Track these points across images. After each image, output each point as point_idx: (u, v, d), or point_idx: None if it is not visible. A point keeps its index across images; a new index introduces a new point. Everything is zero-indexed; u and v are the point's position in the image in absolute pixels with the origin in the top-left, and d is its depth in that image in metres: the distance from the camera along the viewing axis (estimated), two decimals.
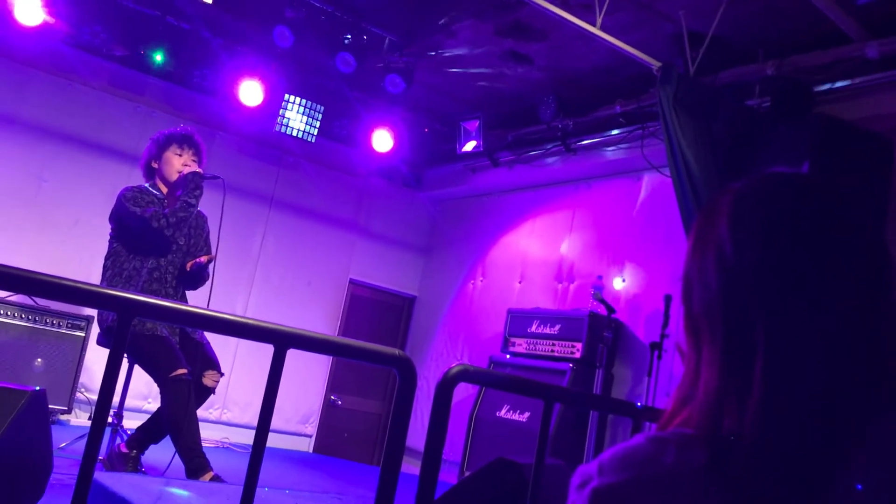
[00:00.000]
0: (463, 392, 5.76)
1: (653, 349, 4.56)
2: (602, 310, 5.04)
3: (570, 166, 6.05)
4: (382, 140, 6.36)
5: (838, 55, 4.20)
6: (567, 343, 5.15)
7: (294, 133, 6.05)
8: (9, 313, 4.94)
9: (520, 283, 6.38)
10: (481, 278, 6.78)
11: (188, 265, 3.86)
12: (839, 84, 4.25)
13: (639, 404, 2.05)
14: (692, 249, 0.86)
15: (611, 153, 5.72)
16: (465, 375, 1.75)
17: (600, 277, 5.51)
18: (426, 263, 7.51)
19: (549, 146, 6.10)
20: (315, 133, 6.10)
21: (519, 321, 5.56)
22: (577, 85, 5.62)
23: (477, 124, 6.13)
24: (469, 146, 6.21)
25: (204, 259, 3.84)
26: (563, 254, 6.06)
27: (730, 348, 0.79)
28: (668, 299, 4.67)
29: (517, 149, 6.38)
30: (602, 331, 4.93)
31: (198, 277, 3.89)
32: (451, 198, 7.38)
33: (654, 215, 5.43)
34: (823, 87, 4.28)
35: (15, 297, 4.99)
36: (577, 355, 5.05)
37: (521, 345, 5.48)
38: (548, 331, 5.31)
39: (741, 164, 4.05)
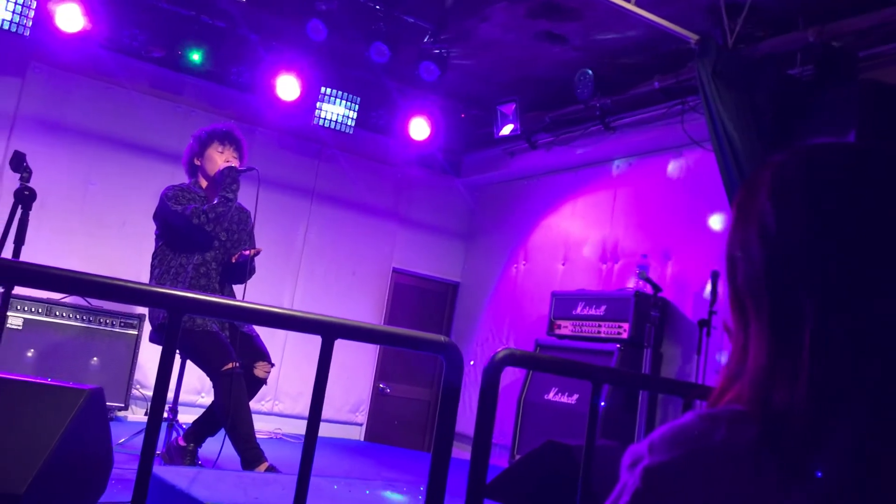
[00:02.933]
0: (510, 376, 5.77)
1: (701, 327, 4.51)
2: (648, 289, 4.99)
3: (609, 145, 5.99)
4: (419, 128, 6.36)
5: (881, 18, 4.08)
6: (613, 324, 5.11)
7: (332, 125, 6.09)
8: (64, 314, 5.08)
9: (563, 265, 6.34)
10: (524, 262, 6.77)
11: (233, 258, 3.92)
12: (883, 48, 4.13)
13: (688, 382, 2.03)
14: (734, 224, 0.86)
15: (651, 130, 5.65)
16: (512, 359, 1.76)
17: (645, 256, 5.46)
18: (468, 249, 7.52)
19: (587, 126, 6.04)
20: (352, 124, 6.13)
21: (564, 303, 5.54)
22: (613, 63, 5.55)
23: (513, 107, 6.10)
24: (506, 130, 6.18)
25: (249, 252, 3.90)
26: (606, 234, 6.01)
27: (777, 322, 0.78)
28: (714, 275, 4.60)
29: (555, 130, 6.33)
30: (649, 310, 4.88)
31: (243, 270, 3.94)
32: (490, 183, 7.37)
33: (697, 191, 5.35)
34: (867, 52, 4.16)
35: (69, 299, 5.13)
36: (624, 336, 5.02)
37: (566, 327, 5.46)
38: (593, 312, 5.27)
39: (785, 136, 3.96)
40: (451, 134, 6.88)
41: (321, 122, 6.06)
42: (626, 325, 5.03)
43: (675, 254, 5.41)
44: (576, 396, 5.03)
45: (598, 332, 5.20)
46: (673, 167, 5.63)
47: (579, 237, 6.26)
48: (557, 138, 6.35)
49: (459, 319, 7.42)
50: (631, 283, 5.55)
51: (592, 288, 5.84)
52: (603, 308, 5.23)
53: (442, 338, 1.67)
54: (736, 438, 0.75)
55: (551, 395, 5.18)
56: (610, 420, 4.73)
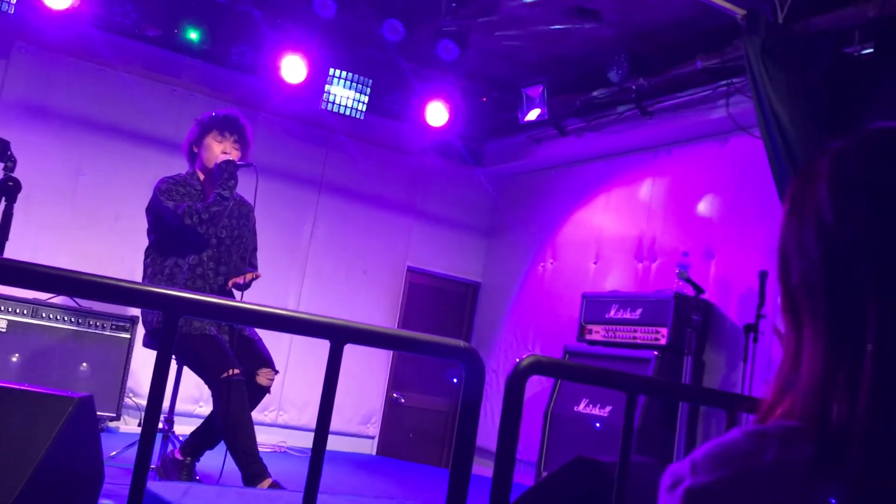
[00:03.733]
0: (536, 386, 5.76)
1: (747, 332, 4.48)
2: (689, 290, 4.97)
3: (646, 131, 5.96)
4: (437, 113, 6.36)
5: None
6: (650, 328, 5.09)
7: (341, 110, 6.11)
8: (51, 316, 5.14)
9: (595, 263, 6.33)
10: (551, 260, 6.75)
11: (229, 284, 3.93)
12: None
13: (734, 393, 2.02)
14: (788, 218, 0.84)
15: (692, 115, 5.61)
16: (538, 367, 1.75)
17: (686, 254, 5.43)
18: (490, 246, 7.51)
19: (622, 110, 6.01)
20: (363, 109, 6.15)
21: (595, 306, 5.53)
22: (651, 40, 5.51)
23: (540, 90, 6.08)
24: (532, 115, 6.16)
25: (246, 278, 3.90)
26: (643, 229, 5.98)
27: (835, 325, 0.77)
28: (763, 276, 4.57)
29: (586, 115, 6.31)
30: (690, 313, 4.86)
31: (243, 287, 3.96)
32: (515, 173, 7.35)
33: (743, 182, 5.31)
34: None
35: (57, 299, 5.19)
36: (663, 342, 5.00)
37: (598, 332, 5.44)
38: (628, 315, 5.26)
39: (841, 120, 3.92)
40: (471, 119, 6.87)
41: (329, 107, 6.08)
42: (664, 330, 5.01)
43: (719, 251, 5.37)
44: (608, 408, 5.02)
45: (634, 338, 5.18)
46: (717, 156, 5.59)
47: (613, 233, 6.24)
48: (589, 124, 6.32)
49: (480, 323, 7.41)
50: (671, 284, 5.52)
51: (627, 289, 5.81)
52: (639, 311, 5.21)
53: (461, 343, 1.67)
54: (788, 458, 0.74)
55: (581, 406, 5.17)
56: (646, 435, 4.71)
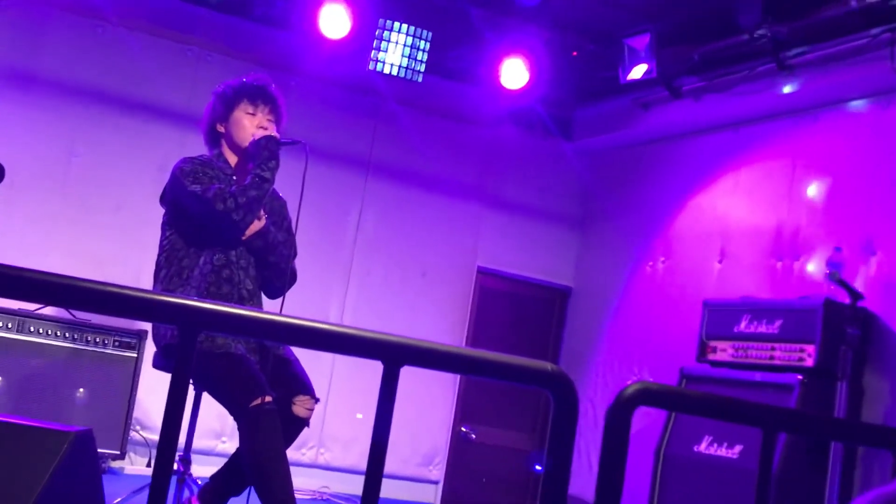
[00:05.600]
0: (644, 419, 5.70)
1: None
2: (843, 296, 4.87)
3: (785, 92, 5.87)
4: (514, 72, 6.34)
5: None
6: (793, 346, 5.02)
7: (394, 71, 6.13)
8: (40, 330, 5.27)
9: (720, 262, 6.25)
10: (662, 259, 6.68)
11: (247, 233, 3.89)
12: None
13: None
14: None
15: (844, 69, 5.50)
16: (647, 396, 1.74)
17: (839, 249, 5.32)
18: (583, 242, 7.47)
19: (753, 65, 5.92)
20: (422, 70, 6.16)
21: (721, 317, 5.46)
22: None
23: (647, 41, 6.01)
24: (637, 72, 6.10)
25: (252, 227, 3.86)
26: (782, 218, 5.89)
27: None
28: None
29: (707, 72, 6.23)
30: (844, 326, 4.76)
31: (276, 267, 3.98)
32: (614, 147, 7.29)
33: None
34: None
35: (48, 310, 5.32)
36: (809, 363, 4.92)
37: (724, 350, 5.38)
38: (764, 329, 5.19)
39: None
40: (558, 80, 6.83)
41: (379, 68, 6.11)
42: (810, 348, 4.93)
43: (882, 245, 5.27)
44: (738, 448, 4.96)
45: (771, 358, 5.12)
46: (876, 121, 5.47)
47: (743, 223, 6.16)
48: (710, 83, 6.24)
49: (571, 339, 7.38)
50: (820, 288, 5.42)
51: (762, 295, 5.73)
52: (778, 323, 5.14)
53: (548, 365, 1.66)
54: None
55: (703, 445, 5.12)
56: (788, 482, 4.64)
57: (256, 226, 3.92)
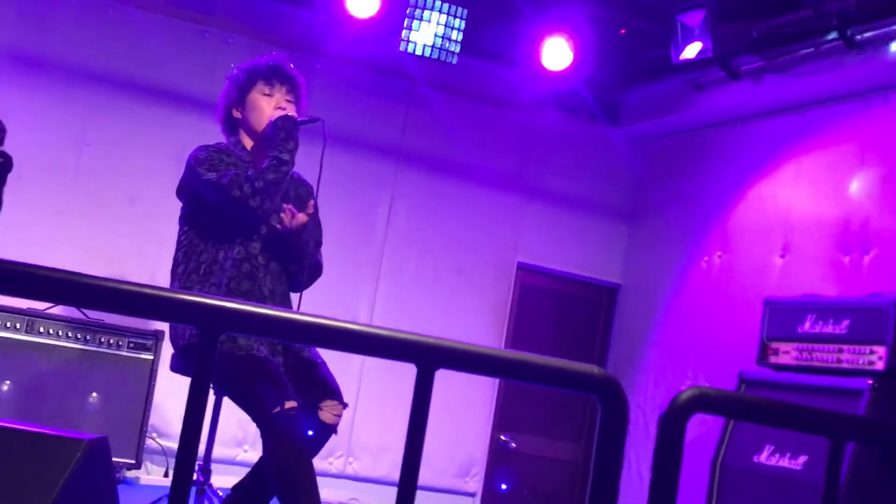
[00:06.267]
0: (699, 427, 5.67)
1: None
2: None
3: (853, 71, 5.81)
4: (557, 53, 6.32)
5: None
6: (862, 347, 4.98)
7: (426, 52, 6.13)
8: (50, 331, 5.31)
9: (782, 257, 6.21)
10: (719, 253, 6.65)
11: (282, 220, 3.90)
12: None
13: None
14: None
15: None
16: (703, 403, 1.73)
17: None
18: (632, 235, 7.45)
19: (818, 42, 5.87)
20: (456, 50, 6.16)
21: (783, 316, 5.42)
22: None
23: (702, 16, 5.98)
24: (691, 51, 6.07)
25: (298, 218, 3.88)
26: (851, 209, 5.84)
27: None
28: None
29: (767, 50, 6.18)
30: None
31: (299, 260, 3.99)
32: (666, 133, 7.26)
33: None
34: None
35: (58, 310, 5.36)
36: (880, 366, 4.88)
37: (787, 352, 5.35)
38: (830, 329, 5.15)
39: None
40: (604, 61, 6.81)
41: (411, 49, 6.11)
42: (881, 350, 4.89)
43: None
44: (803, 459, 4.93)
45: (838, 361, 5.08)
46: None
47: (807, 214, 6.11)
48: (770, 62, 6.20)
49: (620, 340, 7.36)
50: (893, 285, 5.37)
51: (828, 292, 5.69)
52: (846, 323, 5.09)
53: (594, 369, 1.66)
54: None
55: (764, 456, 5.09)
56: (857, 495, 4.60)
57: (301, 219, 3.92)
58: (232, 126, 4.15)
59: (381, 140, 6.81)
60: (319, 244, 4.31)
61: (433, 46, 6.14)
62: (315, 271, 4.15)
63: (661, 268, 7.09)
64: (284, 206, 3.94)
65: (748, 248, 6.45)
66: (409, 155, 6.90)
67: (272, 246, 4.02)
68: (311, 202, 3.99)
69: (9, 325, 5.21)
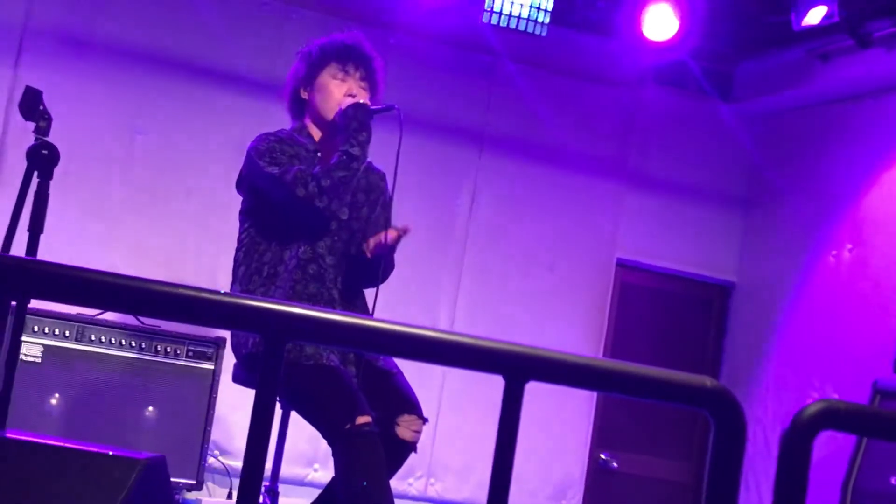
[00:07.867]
0: (828, 444, 5.60)
1: None
2: None
3: None
4: (660, 21, 6.27)
5: None
6: None
7: (512, 24, 6.12)
8: (102, 339, 5.38)
9: None
10: (849, 246, 6.55)
11: (366, 248, 3.98)
12: None
13: None
14: None
15: None
16: (832, 418, 1.71)
17: None
18: (748, 227, 7.38)
19: None
20: (546, 21, 6.14)
21: None
22: None
23: None
24: (815, 16, 5.98)
25: (391, 236, 3.94)
26: None
27: None
28: None
29: None
30: None
31: (379, 267, 4.01)
32: (785, 109, 7.18)
33: None
34: None
35: (110, 316, 5.43)
36: None
37: None
38: None
39: None
40: (714, 29, 6.74)
41: (495, 20, 6.11)
42: None
43: None
44: None
45: None
46: None
47: None
48: None
49: (735, 346, 7.30)
50: None
51: None
52: None
53: (706, 380, 1.65)
54: None
55: None
56: None
57: (394, 237, 3.95)
58: (299, 108, 4.16)
59: (460, 122, 6.81)
60: None
61: (520, 17, 6.12)
62: (386, 268, 4.16)
63: (781, 263, 7.00)
64: (370, 239, 3.99)
65: (883, 241, 6.35)
66: (493, 139, 6.89)
67: (339, 245, 4.04)
68: (405, 227, 4.00)
69: (57, 332, 5.28)
